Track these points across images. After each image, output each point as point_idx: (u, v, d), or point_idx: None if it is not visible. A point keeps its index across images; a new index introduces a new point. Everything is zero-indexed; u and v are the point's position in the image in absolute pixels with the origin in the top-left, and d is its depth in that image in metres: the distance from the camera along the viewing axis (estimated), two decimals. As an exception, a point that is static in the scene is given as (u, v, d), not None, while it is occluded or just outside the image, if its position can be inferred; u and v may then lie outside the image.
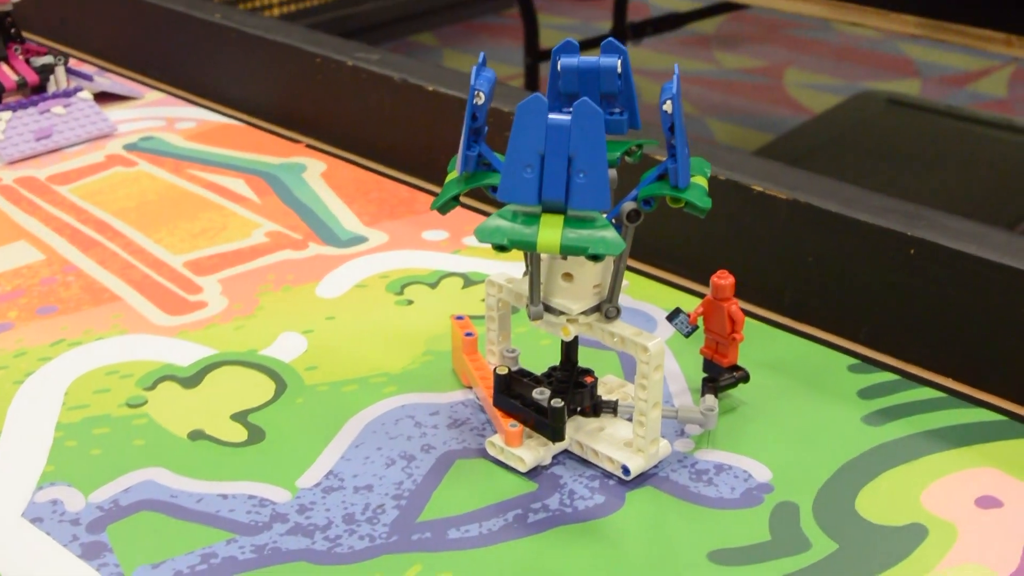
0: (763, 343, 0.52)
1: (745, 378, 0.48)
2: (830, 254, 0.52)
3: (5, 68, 0.74)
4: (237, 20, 0.76)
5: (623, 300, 0.55)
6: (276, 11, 2.83)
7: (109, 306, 0.56)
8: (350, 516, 0.42)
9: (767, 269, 0.54)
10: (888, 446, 0.46)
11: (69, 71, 0.77)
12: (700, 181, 0.42)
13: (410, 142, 0.68)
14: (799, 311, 0.54)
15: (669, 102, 0.39)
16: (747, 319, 0.54)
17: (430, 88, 0.65)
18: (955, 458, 0.45)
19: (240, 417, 0.47)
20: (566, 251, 0.39)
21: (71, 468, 0.45)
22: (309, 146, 0.72)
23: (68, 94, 0.74)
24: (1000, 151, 1.60)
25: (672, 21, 2.05)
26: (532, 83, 1.86)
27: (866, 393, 0.49)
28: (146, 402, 0.48)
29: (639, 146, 0.44)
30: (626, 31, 1.87)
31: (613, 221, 0.41)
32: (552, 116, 0.38)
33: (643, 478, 0.44)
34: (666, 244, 0.56)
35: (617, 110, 0.43)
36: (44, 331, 0.54)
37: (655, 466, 0.44)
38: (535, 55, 1.82)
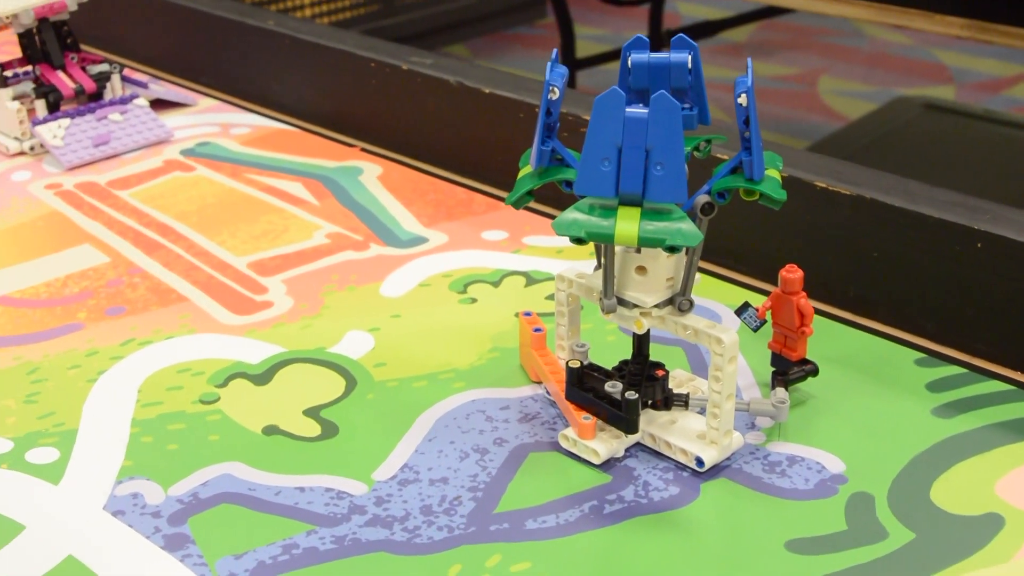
0: (829, 338, 0.52)
1: (814, 372, 0.48)
2: (894, 249, 0.52)
3: (63, 76, 0.75)
4: (291, 27, 0.77)
5: (704, 294, 0.56)
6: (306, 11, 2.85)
7: (176, 306, 0.56)
8: (427, 508, 0.43)
9: (831, 265, 0.54)
10: (959, 438, 0.46)
11: (124, 79, 0.78)
12: (773, 174, 0.42)
13: (466, 144, 0.68)
14: (864, 306, 0.54)
15: (744, 95, 0.40)
16: (821, 313, 0.54)
17: (487, 91, 0.66)
18: None
19: (312, 413, 0.48)
20: (644, 243, 0.39)
21: (149, 463, 0.45)
22: (364, 150, 0.73)
23: (124, 101, 0.76)
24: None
25: (705, 29, 2.05)
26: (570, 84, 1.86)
27: (934, 386, 0.49)
28: (219, 399, 0.49)
29: (708, 141, 0.45)
30: (660, 41, 1.87)
31: (688, 213, 0.42)
32: (630, 110, 0.38)
33: (716, 470, 0.44)
34: (729, 241, 0.56)
35: (687, 105, 0.43)
36: (114, 331, 0.55)
37: (728, 458, 0.45)
38: (572, 64, 1.83)
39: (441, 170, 0.70)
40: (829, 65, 2.53)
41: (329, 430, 0.47)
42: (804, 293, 0.47)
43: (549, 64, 0.41)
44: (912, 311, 0.53)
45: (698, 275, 0.46)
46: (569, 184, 0.42)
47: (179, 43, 0.85)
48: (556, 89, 0.41)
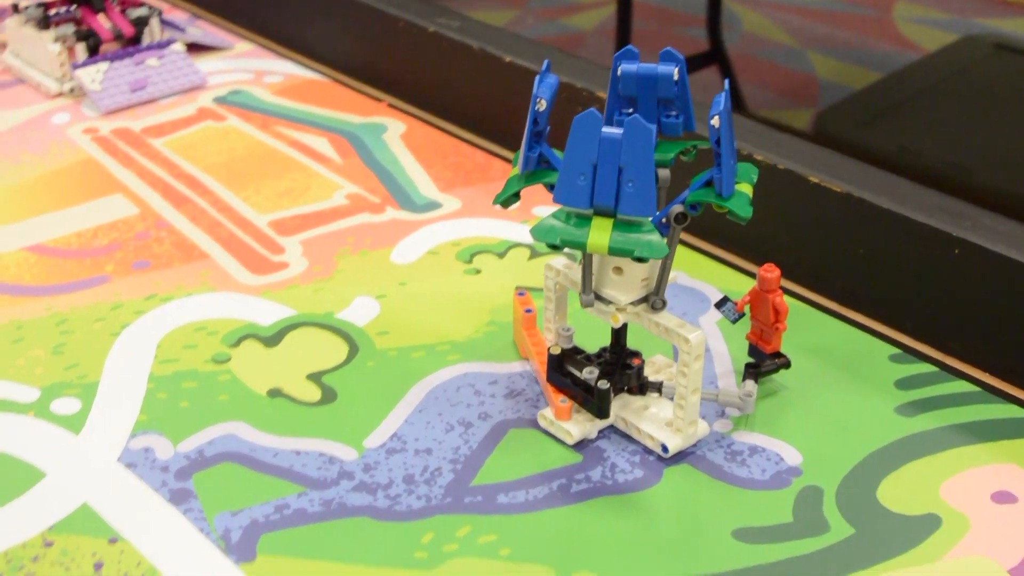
0: (811, 327, 0.57)
1: (786, 365, 0.53)
2: (880, 247, 0.57)
3: (102, 19, 0.80)
4: (326, -23, 0.82)
5: (681, 277, 0.60)
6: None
7: (198, 263, 0.62)
8: (410, 477, 0.48)
9: (820, 256, 0.59)
10: (916, 437, 0.51)
11: (163, 22, 0.83)
12: (745, 188, 0.47)
13: (487, 109, 0.73)
14: (848, 298, 0.58)
15: (717, 117, 0.44)
16: (797, 302, 0.59)
17: (507, 59, 0.70)
18: (979, 453, 0.50)
19: (315, 377, 0.54)
20: (613, 253, 0.44)
21: (162, 418, 0.52)
22: (391, 105, 0.78)
23: (162, 46, 0.81)
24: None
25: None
26: (625, 19, 1.89)
27: (903, 383, 0.54)
28: (230, 359, 0.55)
29: (694, 147, 0.49)
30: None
31: (663, 220, 0.46)
32: (605, 130, 0.43)
33: (681, 456, 0.49)
34: (726, 225, 0.61)
35: (673, 113, 0.48)
36: (139, 285, 0.60)
37: (693, 445, 0.50)
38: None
39: (463, 131, 0.75)
40: (906, -10, 2.52)
41: (328, 395, 0.53)
42: (780, 291, 0.52)
43: (538, 77, 0.46)
44: (893, 307, 0.57)
45: (675, 272, 0.50)
46: (552, 187, 0.46)
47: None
48: (543, 100, 0.45)
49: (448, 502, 0.47)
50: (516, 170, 0.48)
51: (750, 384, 0.52)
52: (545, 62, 0.47)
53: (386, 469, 0.49)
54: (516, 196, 0.48)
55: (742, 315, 0.53)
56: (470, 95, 0.74)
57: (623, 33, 2.02)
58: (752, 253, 0.62)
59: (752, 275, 0.60)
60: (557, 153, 0.47)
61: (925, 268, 0.55)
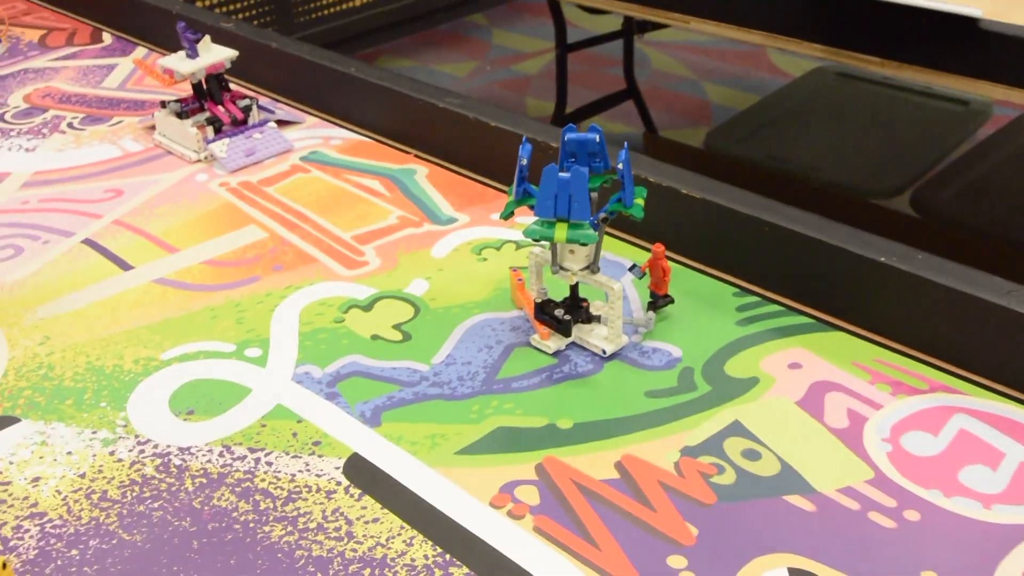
0: (684, 279, 0.80)
1: (671, 301, 0.76)
2: (724, 230, 0.80)
3: (221, 109, 1.02)
4: (366, 72, 1.04)
5: (608, 255, 0.83)
6: (357, 1, 3.08)
7: (313, 265, 0.84)
8: (461, 377, 0.71)
9: (692, 236, 0.82)
10: (747, 337, 0.73)
11: (259, 107, 1.05)
12: (639, 201, 0.70)
13: (480, 155, 0.95)
14: (706, 259, 0.81)
15: (621, 164, 0.67)
16: (677, 265, 0.82)
17: (492, 124, 0.93)
18: (781, 343, 0.72)
19: (397, 327, 0.76)
20: (569, 241, 0.67)
21: (312, 355, 0.74)
22: (417, 155, 1.00)
23: (262, 123, 1.03)
24: (916, 115, 1.85)
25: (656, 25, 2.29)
26: (562, 66, 2.12)
27: (740, 308, 0.76)
28: (344, 320, 0.77)
29: (611, 178, 0.72)
30: (634, 26, 2.12)
31: (597, 221, 0.69)
32: (560, 175, 0.66)
33: (614, 355, 0.72)
34: (630, 222, 0.84)
35: (599, 161, 0.70)
36: (279, 281, 0.83)
37: (620, 349, 0.73)
38: (564, 46, 2.08)
39: (465, 170, 0.97)
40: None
41: (406, 336, 0.75)
42: (666, 259, 0.74)
43: (520, 146, 0.69)
44: (734, 264, 0.80)
45: (604, 251, 0.73)
46: (532, 207, 0.69)
47: (292, 78, 1.12)
48: (524, 159, 0.68)
49: (484, 388, 0.70)
50: (511, 197, 0.71)
51: (651, 313, 0.75)
52: (524, 138, 0.70)
53: (446, 374, 0.71)
54: (512, 213, 0.70)
55: (644, 274, 0.76)
56: (469, 147, 0.96)
57: (561, 75, 2.26)
58: (647, 237, 0.84)
59: (648, 250, 0.83)
60: (534, 187, 0.70)
61: (750, 240, 0.78)
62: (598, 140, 0.69)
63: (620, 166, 0.67)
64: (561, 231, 0.66)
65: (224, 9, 2.34)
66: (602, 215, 0.69)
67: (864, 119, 1.91)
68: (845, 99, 1.98)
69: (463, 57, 3.20)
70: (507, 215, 0.70)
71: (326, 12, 3.05)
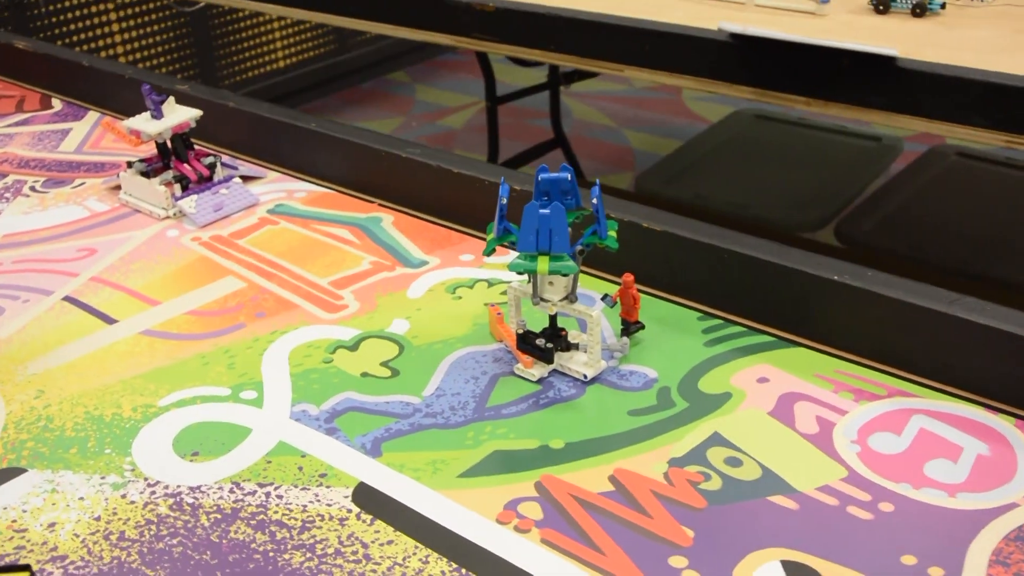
0: (652, 307, 0.85)
1: (642, 327, 0.80)
2: (683, 259, 0.85)
3: (187, 167, 1.05)
4: (326, 127, 1.07)
5: (582, 288, 0.88)
6: (282, 63, 3.11)
7: (294, 311, 0.87)
8: (452, 407, 0.74)
9: (657, 267, 0.87)
10: (716, 356, 0.78)
11: (222, 164, 1.08)
12: (613, 233, 0.74)
13: (442, 202, 1.00)
14: (672, 288, 0.86)
15: (596, 199, 0.72)
16: (644, 295, 0.86)
17: (455, 171, 0.97)
18: (748, 360, 0.77)
19: (384, 364, 0.79)
20: (551, 273, 0.71)
21: (306, 394, 0.76)
22: (381, 204, 1.04)
23: (228, 180, 1.06)
24: (832, 152, 1.95)
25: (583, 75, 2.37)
26: (493, 119, 2.18)
27: (706, 331, 0.81)
28: (333, 360, 0.80)
29: (582, 214, 0.77)
30: (560, 78, 2.20)
31: (574, 253, 0.74)
32: (541, 211, 0.70)
33: (594, 380, 0.76)
34: (602, 256, 0.88)
35: (570, 198, 0.75)
36: (264, 327, 0.85)
37: (599, 374, 0.77)
38: (494, 99, 2.14)
39: (430, 216, 1.01)
40: (690, 77, 2.84)
41: (395, 373, 0.78)
42: (635, 288, 0.79)
43: (500, 187, 0.73)
44: (696, 292, 0.85)
45: (581, 284, 0.77)
46: (514, 244, 0.73)
47: (250, 136, 1.15)
48: (504, 199, 0.73)
49: (476, 416, 0.73)
50: (492, 235, 0.75)
51: (624, 339, 0.79)
52: (502, 178, 0.74)
53: (438, 405, 0.75)
54: (494, 250, 0.75)
55: (615, 303, 0.81)
56: (432, 193, 1.00)
57: (492, 127, 2.32)
58: (612, 270, 0.89)
59: (618, 282, 0.88)
60: (512, 224, 0.74)
61: (710, 267, 0.84)
62: (570, 179, 0.73)
63: (595, 201, 0.72)
64: (543, 263, 0.70)
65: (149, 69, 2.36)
66: (579, 247, 0.73)
67: (784, 157, 2.00)
68: (764, 139, 2.08)
69: (388, 113, 3.26)
70: (489, 251, 0.74)
71: (251, 74, 3.08)
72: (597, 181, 0.73)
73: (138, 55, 2.80)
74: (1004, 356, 0.71)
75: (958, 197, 1.78)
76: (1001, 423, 0.70)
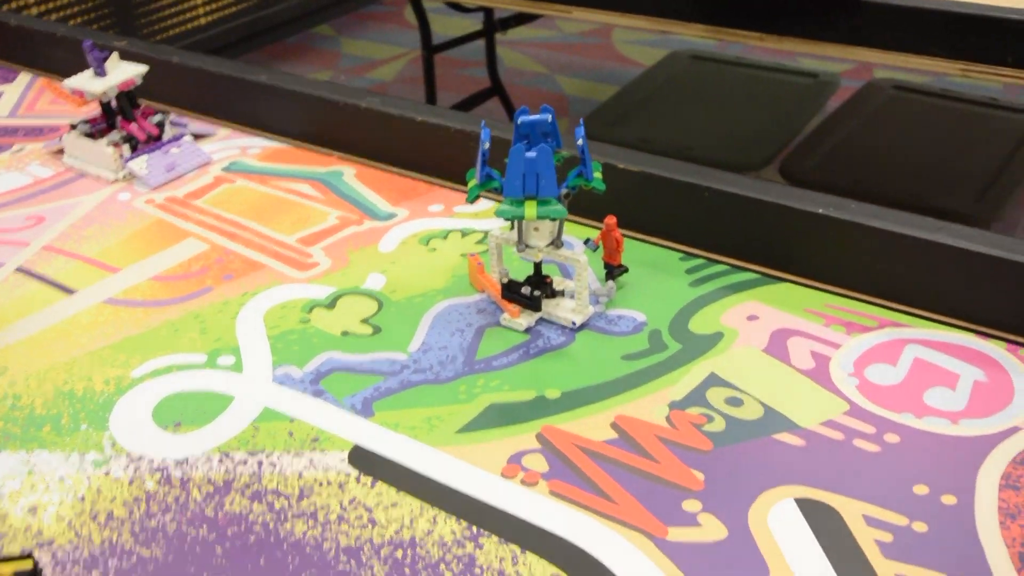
0: (633, 250, 0.82)
1: (626, 270, 0.78)
2: (662, 201, 0.83)
3: (135, 126, 1.00)
4: (278, 79, 1.03)
5: (567, 235, 0.85)
6: (203, 20, 3.01)
7: (263, 271, 0.83)
8: (441, 362, 0.72)
9: (633, 209, 0.85)
10: (703, 296, 0.77)
11: (172, 122, 1.03)
12: (598, 175, 0.72)
13: (406, 152, 0.96)
14: (653, 231, 0.84)
15: (581, 139, 0.69)
16: (627, 237, 0.84)
17: (419, 119, 0.94)
18: (736, 298, 0.76)
19: (366, 321, 0.76)
20: (540, 217, 0.68)
21: (286, 356, 0.73)
22: (341, 157, 1.00)
23: (178, 138, 1.00)
24: (771, 90, 1.94)
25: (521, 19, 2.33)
26: (430, 68, 2.13)
27: (690, 270, 0.80)
28: (310, 320, 0.77)
29: (562, 157, 0.74)
30: (496, 24, 2.15)
31: (560, 197, 0.71)
32: (527, 154, 0.67)
33: (583, 326, 0.74)
34: (586, 199, 0.86)
35: (551, 140, 0.72)
36: (233, 289, 0.81)
37: (587, 320, 0.75)
38: (430, 48, 2.09)
39: (392, 167, 0.97)
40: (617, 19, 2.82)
41: (376, 329, 0.75)
42: (618, 230, 0.77)
43: (482, 131, 0.70)
44: (677, 232, 0.83)
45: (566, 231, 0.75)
46: (499, 189, 0.71)
47: (197, 91, 1.09)
48: (487, 143, 0.70)
49: (466, 369, 0.71)
50: (473, 182, 0.72)
51: (610, 283, 0.77)
52: (483, 122, 0.71)
53: (425, 360, 0.72)
54: (478, 196, 0.72)
55: (598, 246, 0.79)
56: (393, 143, 0.97)
57: (429, 77, 2.26)
58: (589, 215, 0.87)
59: (592, 226, 0.86)
60: (495, 170, 0.71)
61: (691, 206, 0.82)
62: (550, 120, 0.70)
63: (580, 141, 0.69)
64: (531, 208, 0.68)
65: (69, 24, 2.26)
66: (564, 190, 0.71)
67: (723, 97, 1.98)
68: (702, 80, 2.06)
69: (314, 68, 3.18)
70: (473, 198, 0.71)
71: (172, 32, 2.98)
72: (581, 121, 0.71)
73: (54, 16, 2.68)
74: (992, 281, 0.70)
75: (897, 130, 1.79)
76: (993, 348, 0.69)
